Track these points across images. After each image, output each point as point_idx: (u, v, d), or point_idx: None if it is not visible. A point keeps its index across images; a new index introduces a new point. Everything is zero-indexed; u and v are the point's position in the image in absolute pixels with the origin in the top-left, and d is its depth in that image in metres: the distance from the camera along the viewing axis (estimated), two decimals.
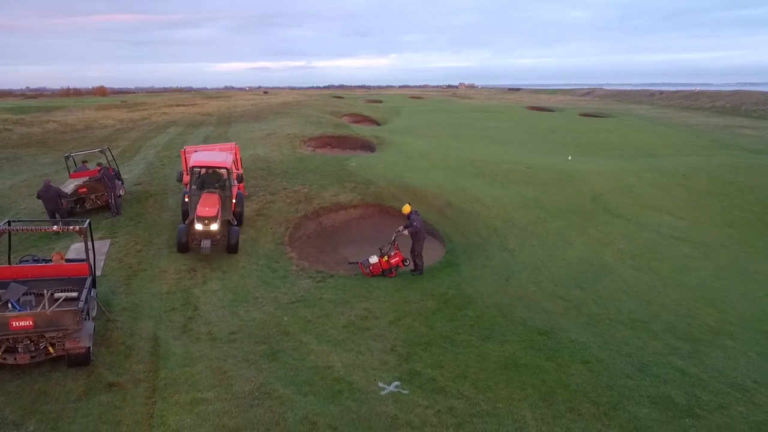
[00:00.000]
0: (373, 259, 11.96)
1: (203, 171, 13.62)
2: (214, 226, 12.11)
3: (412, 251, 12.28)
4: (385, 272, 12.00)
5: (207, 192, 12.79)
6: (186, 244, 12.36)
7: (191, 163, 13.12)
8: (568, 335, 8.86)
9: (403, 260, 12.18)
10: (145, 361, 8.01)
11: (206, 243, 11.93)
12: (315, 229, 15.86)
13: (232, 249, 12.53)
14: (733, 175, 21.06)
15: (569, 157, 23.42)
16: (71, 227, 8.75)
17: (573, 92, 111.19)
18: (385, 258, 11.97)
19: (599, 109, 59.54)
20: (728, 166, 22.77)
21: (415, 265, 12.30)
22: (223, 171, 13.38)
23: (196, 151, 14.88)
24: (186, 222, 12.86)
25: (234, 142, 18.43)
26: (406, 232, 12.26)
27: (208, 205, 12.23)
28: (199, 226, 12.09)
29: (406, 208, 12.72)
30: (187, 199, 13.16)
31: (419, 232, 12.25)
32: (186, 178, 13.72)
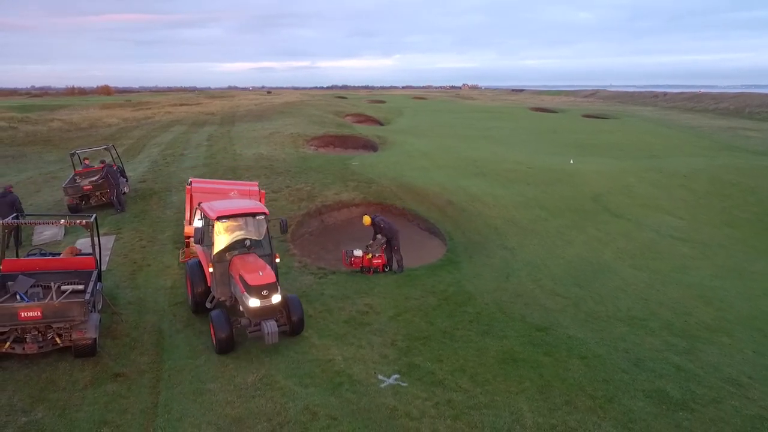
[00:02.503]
0: (358, 252, 12.12)
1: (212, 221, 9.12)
2: (277, 298, 8.30)
3: (393, 250, 12.40)
4: (364, 269, 12.15)
5: (239, 253, 9.02)
6: (231, 339, 8.14)
7: (213, 215, 8.86)
8: (566, 331, 8.98)
9: (384, 265, 12.34)
10: (149, 353, 8.17)
11: (271, 326, 8.05)
12: (317, 226, 16.02)
13: (299, 328, 8.71)
14: (734, 177, 21.14)
15: (571, 161, 23.52)
16: (78, 221, 8.92)
17: (576, 93, 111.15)
18: (369, 256, 12.14)
19: (602, 111, 59.56)
20: (730, 167, 22.85)
21: (398, 263, 12.41)
22: (261, 219, 9.30)
23: (210, 202, 9.96)
24: (210, 300, 9.16)
25: (256, 183, 13.72)
26: (383, 240, 12.34)
27: (257, 268, 8.42)
28: (255, 302, 8.07)
29: (366, 220, 12.55)
30: (211, 269, 8.88)
31: (391, 228, 12.38)
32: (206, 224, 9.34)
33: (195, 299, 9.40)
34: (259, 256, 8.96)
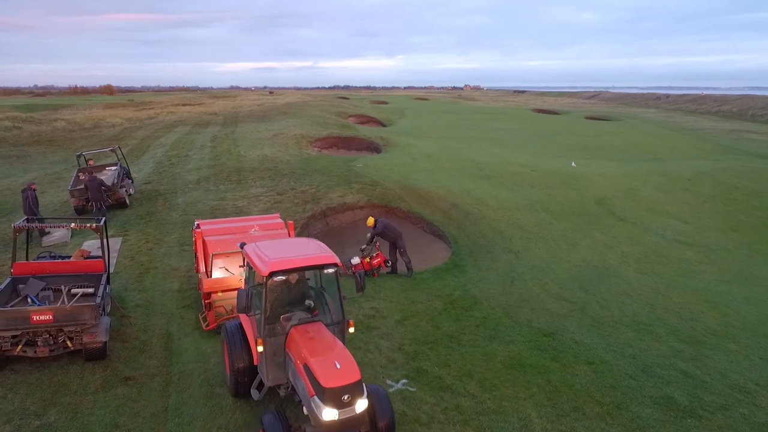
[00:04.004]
0: (355, 260, 12.15)
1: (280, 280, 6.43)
2: (363, 404, 5.66)
3: (400, 252, 12.44)
4: (366, 273, 12.15)
5: (299, 322, 6.42)
6: None
7: (265, 270, 6.16)
8: (572, 336, 9.01)
9: (385, 261, 12.40)
10: (158, 356, 8.22)
11: None
12: (322, 229, 16.05)
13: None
14: (738, 180, 21.15)
15: (573, 164, 23.53)
16: (88, 225, 8.97)
17: (579, 95, 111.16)
18: (367, 259, 12.19)
19: (605, 113, 59.56)
20: (734, 170, 22.85)
21: (407, 265, 12.45)
22: (330, 272, 6.57)
23: (256, 244, 7.05)
24: (256, 386, 6.76)
25: (277, 214, 11.45)
26: (377, 244, 12.43)
27: (330, 352, 5.88)
28: (330, 414, 5.46)
29: (370, 221, 12.75)
30: (260, 348, 6.25)
31: (394, 231, 12.44)
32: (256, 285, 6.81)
33: (236, 379, 6.81)
34: (327, 325, 6.46)
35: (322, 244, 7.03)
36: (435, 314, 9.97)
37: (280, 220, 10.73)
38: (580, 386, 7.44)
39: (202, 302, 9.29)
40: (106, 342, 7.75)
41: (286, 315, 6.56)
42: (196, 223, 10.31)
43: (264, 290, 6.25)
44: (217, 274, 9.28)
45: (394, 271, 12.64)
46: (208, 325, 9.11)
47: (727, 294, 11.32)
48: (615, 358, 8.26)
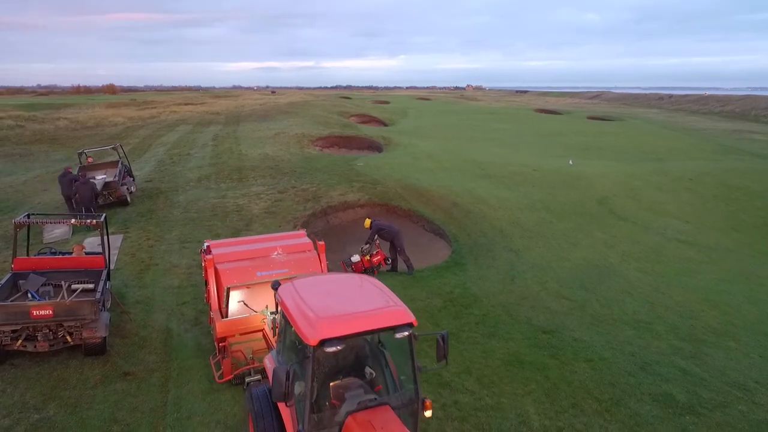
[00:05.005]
0: (355, 258, 12.17)
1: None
2: None
3: (398, 251, 12.45)
4: (366, 271, 12.17)
5: (359, 406, 4.66)
6: None
7: (313, 337, 4.32)
8: (572, 334, 9.01)
9: (385, 259, 12.43)
10: (158, 352, 8.23)
11: None
12: (323, 227, 16.07)
13: None
14: (740, 180, 21.10)
15: (570, 162, 23.49)
16: (88, 221, 9.00)
17: (581, 95, 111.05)
18: (367, 257, 12.19)
19: (607, 113, 59.45)
20: (735, 171, 22.80)
21: (406, 263, 12.48)
22: (404, 336, 4.68)
23: (294, 288, 5.21)
24: None
25: (304, 232, 9.26)
26: (377, 242, 12.47)
27: None
28: None
29: (367, 223, 12.86)
30: None
31: (391, 230, 12.46)
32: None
33: None
34: (394, 408, 4.74)
35: (385, 288, 5.14)
36: (435, 311, 9.98)
37: (307, 239, 8.59)
38: (579, 383, 7.43)
39: (215, 345, 7.57)
40: (105, 337, 7.78)
41: (337, 387, 4.79)
42: (205, 245, 8.33)
43: (310, 363, 4.36)
44: (233, 308, 7.59)
45: (394, 269, 12.66)
46: (221, 376, 7.23)
47: (727, 293, 11.29)
48: (614, 355, 8.25)
